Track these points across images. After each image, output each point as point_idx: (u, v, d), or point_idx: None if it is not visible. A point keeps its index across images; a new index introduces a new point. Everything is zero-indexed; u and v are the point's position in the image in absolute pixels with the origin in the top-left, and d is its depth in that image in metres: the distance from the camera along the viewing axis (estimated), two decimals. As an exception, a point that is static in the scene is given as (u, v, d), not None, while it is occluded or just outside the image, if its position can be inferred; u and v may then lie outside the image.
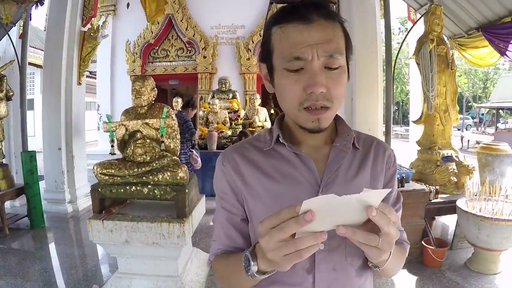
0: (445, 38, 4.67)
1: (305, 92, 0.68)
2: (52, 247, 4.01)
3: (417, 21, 4.87)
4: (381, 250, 0.57)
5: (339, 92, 0.70)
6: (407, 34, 5.71)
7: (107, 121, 2.58)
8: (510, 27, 3.80)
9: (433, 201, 3.58)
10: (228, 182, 0.81)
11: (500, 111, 18.80)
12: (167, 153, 2.71)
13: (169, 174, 2.55)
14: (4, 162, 4.66)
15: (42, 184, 5.17)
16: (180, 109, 5.21)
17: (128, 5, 4.55)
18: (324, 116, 0.70)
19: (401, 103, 27.45)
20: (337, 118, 0.84)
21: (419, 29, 4.49)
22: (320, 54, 0.67)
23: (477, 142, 6.47)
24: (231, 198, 0.82)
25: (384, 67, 4.72)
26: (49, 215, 4.85)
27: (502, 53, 3.97)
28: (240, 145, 0.86)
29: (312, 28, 0.67)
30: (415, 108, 6.67)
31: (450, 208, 3.54)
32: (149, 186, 2.57)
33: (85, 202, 5.36)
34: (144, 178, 2.57)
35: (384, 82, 4.75)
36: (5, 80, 4.56)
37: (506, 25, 3.84)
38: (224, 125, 6.54)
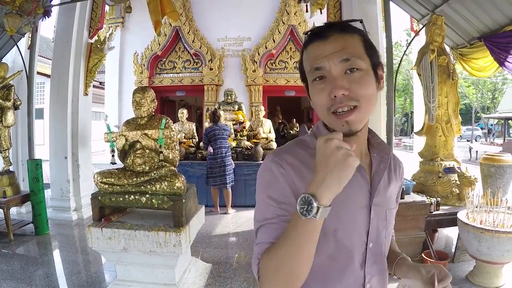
0: (448, 48, 4.67)
1: (330, 97, 0.75)
2: (55, 253, 4.07)
3: (419, 31, 4.89)
4: None
5: (365, 93, 0.76)
6: (408, 45, 5.73)
7: (108, 131, 2.64)
8: (510, 36, 3.78)
9: (434, 213, 3.55)
10: (289, 186, 0.78)
11: (509, 121, 18.55)
12: (165, 163, 2.76)
13: (166, 184, 2.60)
14: (11, 170, 4.77)
15: (48, 192, 5.27)
16: (216, 123, 5.74)
17: (128, 8, 4.69)
18: (352, 118, 0.75)
19: (409, 115, 27.28)
20: (368, 131, 0.93)
21: (422, 39, 4.50)
22: (336, 61, 0.75)
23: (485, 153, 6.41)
24: (293, 201, 0.75)
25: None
26: (54, 222, 4.92)
27: (501, 63, 3.93)
28: (290, 148, 0.86)
29: (327, 42, 0.77)
30: (419, 119, 6.63)
31: (451, 220, 3.50)
32: (147, 196, 2.62)
33: (90, 210, 5.35)
34: (142, 187, 2.63)
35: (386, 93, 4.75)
36: (13, 90, 4.66)
37: (507, 33, 3.81)
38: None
